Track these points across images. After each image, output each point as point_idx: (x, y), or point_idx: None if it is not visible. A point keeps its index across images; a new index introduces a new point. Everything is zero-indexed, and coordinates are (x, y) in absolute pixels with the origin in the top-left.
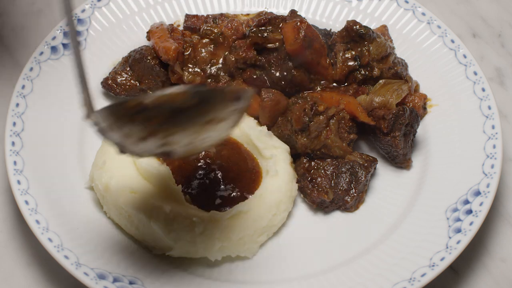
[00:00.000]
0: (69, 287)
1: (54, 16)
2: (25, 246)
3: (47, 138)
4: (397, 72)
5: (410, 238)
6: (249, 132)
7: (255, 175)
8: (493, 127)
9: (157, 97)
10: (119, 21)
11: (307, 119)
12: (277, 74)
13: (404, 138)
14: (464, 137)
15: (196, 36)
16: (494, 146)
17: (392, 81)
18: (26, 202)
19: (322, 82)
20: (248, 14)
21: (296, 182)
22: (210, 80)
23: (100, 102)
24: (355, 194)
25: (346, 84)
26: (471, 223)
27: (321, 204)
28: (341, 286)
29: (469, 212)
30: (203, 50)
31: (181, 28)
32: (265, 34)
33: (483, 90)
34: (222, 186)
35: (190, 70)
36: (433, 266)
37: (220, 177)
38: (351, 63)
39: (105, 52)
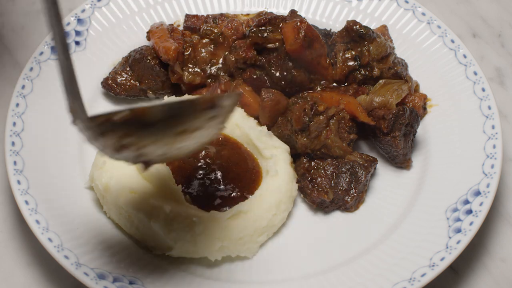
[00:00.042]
0: (69, 287)
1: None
2: (25, 246)
3: (47, 138)
4: (397, 72)
5: (410, 238)
6: (249, 132)
7: (255, 175)
8: (493, 127)
9: (126, 114)
10: (119, 21)
11: (307, 119)
12: (277, 74)
13: (404, 138)
14: (464, 137)
15: (196, 36)
16: (494, 146)
17: (392, 81)
18: (26, 202)
19: (322, 82)
20: (248, 14)
21: (296, 182)
22: (210, 80)
23: (100, 102)
24: (355, 194)
25: (346, 84)
26: (471, 223)
27: (321, 204)
28: (341, 286)
29: (469, 212)
30: (203, 50)
31: (181, 28)
32: (265, 34)
33: (483, 90)
34: (222, 186)
35: (190, 70)
36: (433, 266)
37: (220, 177)
38: (351, 63)
39: (105, 52)
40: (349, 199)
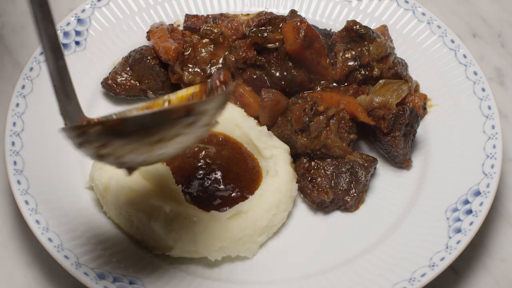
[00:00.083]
0: (69, 287)
1: (54, 16)
2: (25, 246)
3: (47, 138)
4: (397, 72)
5: (410, 238)
6: (249, 132)
7: (255, 175)
8: (493, 127)
9: (99, 128)
10: (119, 21)
11: (307, 119)
12: (277, 74)
13: (404, 138)
14: (464, 137)
15: (196, 36)
16: (494, 146)
17: (392, 81)
18: (26, 202)
19: (322, 82)
20: (248, 14)
21: (296, 182)
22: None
23: (100, 102)
24: (355, 194)
25: (346, 84)
26: (471, 223)
27: (321, 204)
28: (341, 286)
29: (469, 212)
30: (203, 50)
31: (181, 28)
32: (265, 34)
33: (483, 90)
34: (222, 186)
35: (190, 70)
36: (433, 266)
37: (220, 177)
38: (351, 63)
39: (105, 52)
40: (349, 199)
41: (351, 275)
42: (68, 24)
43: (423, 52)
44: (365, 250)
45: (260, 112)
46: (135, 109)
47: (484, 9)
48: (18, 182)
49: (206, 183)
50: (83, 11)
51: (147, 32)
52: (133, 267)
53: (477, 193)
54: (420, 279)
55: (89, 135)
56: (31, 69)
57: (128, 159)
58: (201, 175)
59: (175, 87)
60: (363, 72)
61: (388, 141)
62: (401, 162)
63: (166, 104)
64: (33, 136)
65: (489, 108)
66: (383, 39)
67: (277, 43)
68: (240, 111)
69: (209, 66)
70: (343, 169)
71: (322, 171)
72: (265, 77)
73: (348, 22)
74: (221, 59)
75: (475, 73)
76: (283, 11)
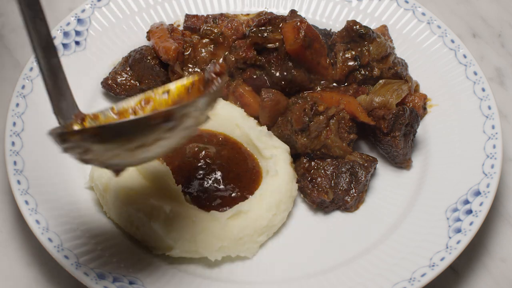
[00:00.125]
0: (69, 287)
1: (54, 16)
2: (25, 246)
3: (47, 138)
4: (397, 72)
5: (410, 238)
6: (249, 132)
7: (255, 175)
8: (493, 127)
9: (78, 137)
10: (119, 21)
11: (307, 119)
12: (277, 74)
13: (404, 138)
14: (464, 137)
15: (196, 36)
16: (494, 146)
17: (392, 81)
18: (26, 202)
19: (322, 82)
20: (248, 14)
21: (296, 182)
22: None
23: (100, 102)
24: (355, 194)
25: (346, 84)
26: (471, 223)
27: (321, 204)
28: (341, 286)
29: (469, 212)
30: (203, 50)
31: (181, 28)
32: (265, 34)
33: (483, 90)
34: (222, 186)
35: (190, 70)
36: (433, 266)
37: (220, 177)
38: (351, 63)
39: (105, 52)
40: (349, 199)
41: (351, 275)
42: (68, 24)
43: (423, 52)
44: (365, 250)
45: (260, 112)
46: (133, 100)
47: (484, 9)
48: (18, 182)
49: (206, 183)
50: (83, 11)
51: (147, 32)
52: (133, 267)
53: (477, 193)
54: (420, 279)
55: (70, 142)
56: (31, 69)
57: (112, 162)
58: (201, 175)
59: None
60: (363, 72)
61: (388, 141)
62: (401, 162)
63: (166, 96)
64: (33, 136)
65: (489, 108)
66: (383, 39)
67: (277, 43)
68: (240, 111)
69: (209, 66)
70: (343, 169)
71: (322, 171)
72: (265, 77)
73: (348, 22)
74: (221, 59)
75: (475, 73)
76: (283, 11)
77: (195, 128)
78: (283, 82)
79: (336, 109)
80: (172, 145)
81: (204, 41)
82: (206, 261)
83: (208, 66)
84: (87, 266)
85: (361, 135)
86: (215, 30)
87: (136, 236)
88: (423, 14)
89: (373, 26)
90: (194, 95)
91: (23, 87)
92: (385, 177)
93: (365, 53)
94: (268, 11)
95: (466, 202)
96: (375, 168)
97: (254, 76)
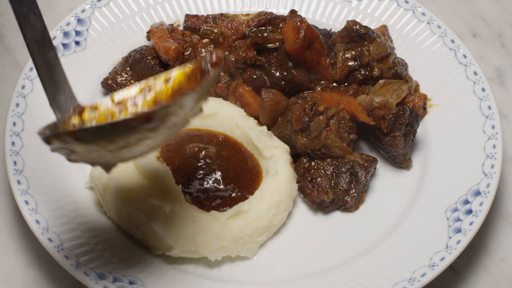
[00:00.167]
0: (69, 287)
1: (54, 16)
2: (25, 246)
3: None
4: (397, 72)
5: (410, 238)
6: (249, 132)
7: (255, 175)
8: (493, 127)
9: (58, 141)
10: (119, 21)
11: (307, 119)
12: (277, 74)
13: (404, 138)
14: (464, 137)
15: (196, 36)
16: (494, 146)
17: (392, 81)
18: (26, 202)
19: (322, 82)
20: (248, 14)
21: (296, 182)
22: None
23: None
24: (355, 194)
25: (346, 84)
26: (471, 223)
27: (321, 204)
28: (341, 286)
29: (469, 212)
30: (203, 50)
31: (181, 28)
32: (265, 34)
33: (483, 90)
34: (222, 186)
35: None
36: (433, 266)
37: (220, 177)
38: (351, 63)
39: (105, 52)
40: (349, 199)
41: (351, 275)
42: (68, 24)
43: (423, 52)
44: (365, 250)
45: (260, 112)
46: (135, 89)
47: (484, 9)
48: (18, 182)
49: (206, 183)
50: (83, 11)
51: (147, 32)
52: (133, 267)
53: (477, 193)
54: (420, 279)
55: (54, 144)
56: (31, 69)
57: (100, 161)
58: (201, 175)
59: None
60: (363, 72)
61: (388, 141)
62: (401, 162)
63: (166, 85)
64: (33, 136)
65: (489, 108)
66: (383, 39)
67: (277, 43)
68: (240, 111)
69: None
70: (343, 169)
71: (322, 171)
72: (265, 77)
73: (348, 22)
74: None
75: (475, 73)
76: (283, 11)
77: (184, 125)
78: (283, 82)
79: (336, 109)
80: (158, 143)
81: (204, 41)
82: (206, 261)
83: (205, 54)
84: (87, 266)
85: (361, 135)
86: (215, 30)
87: (136, 236)
88: (423, 14)
89: (373, 26)
90: (192, 84)
91: (23, 87)
92: (385, 177)
93: (365, 53)
94: (268, 11)
95: (466, 202)
96: (375, 168)
97: (254, 76)
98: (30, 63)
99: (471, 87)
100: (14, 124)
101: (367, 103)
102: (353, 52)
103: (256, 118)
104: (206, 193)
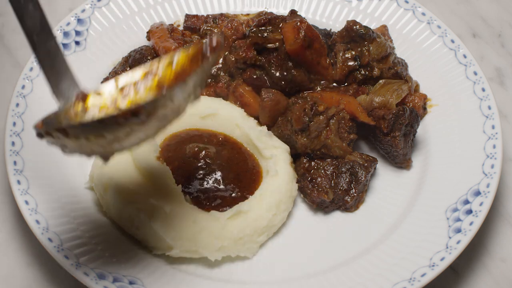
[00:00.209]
0: (69, 287)
1: (54, 16)
2: (25, 246)
3: None
4: (397, 72)
5: (410, 238)
6: (249, 132)
7: (255, 175)
8: (493, 127)
9: (50, 137)
10: (119, 21)
11: (307, 119)
12: (277, 74)
13: (404, 138)
14: (464, 137)
15: (196, 36)
16: (494, 146)
17: (392, 81)
18: (26, 202)
19: (322, 82)
20: (248, 14)
21: (296, 182)
22: (210, 80)
23: None
24: (355, 194)
25: (346, 84)
26: (471, 223)
27: (321, 204)
28: (341, 286)
29: (469, 212)
30: None
31: (181, 28)
32: (265, 34)
33: (483, 90)
34: (222, 186)
35: None
36: (433, 266)
37: (220, 177)
38: (351, 63)
39: (105, 52)
40: (349, 199)
41: (351, 275)
42: (68, 24)
43: (423, 52)
44: (365, 250)
45: (260, 112)
46: (139, 72)
47: (484, 9)
48: (18, 182)
49: (206, 183)
50: (83, 11)
51: (147, 32)
52: (133, 267)
53: (477, 193)
54: (420, 279)
55: (47, 139)
56: (31, 69)
57: (93, 153)
58: (201, 175)
59: None
60: (363, 72)
61: (388, 141)
62: (401, 162)
63: (169, 68)
64: (33, 136)
65: (489, 108)
66: (383, 39)
67: (277, 43)
68: (240, 111)
69: None
70: (343, 169)
71: (322, 171)
72: (265, 77)
73: (348, 22)
74: (221, 59)
75: (475, 73)
76: (283, 11)
77: (178, 115)
78: (283, 82)
79: (336, 109)
80: (151, 134)
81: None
82: (206, 261)
83: (205, 40)
84: (87, 266)
85: (361, 135)
86: (215, 30)
87: (136, 236)
88: (423, 14)
89: (373, 26)
90: (194, 67)
91: (23, 87)
92: (385, 177)
93: (365, 53)
94: (268, 11)
95: (466, 202)
96: (375, 168)
97: (254, 76)
98: (30, 63)
99: (471, 87)
100: (14, 124)
101: (367, 103)
102: (353, 52)
103: (256, 118)
104: (206, 193)
